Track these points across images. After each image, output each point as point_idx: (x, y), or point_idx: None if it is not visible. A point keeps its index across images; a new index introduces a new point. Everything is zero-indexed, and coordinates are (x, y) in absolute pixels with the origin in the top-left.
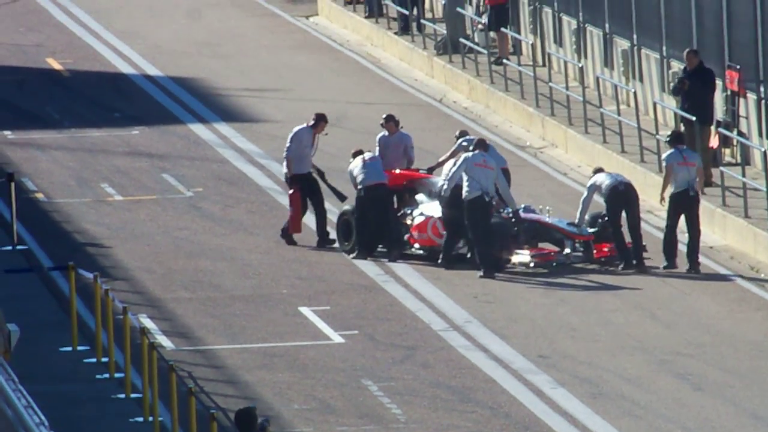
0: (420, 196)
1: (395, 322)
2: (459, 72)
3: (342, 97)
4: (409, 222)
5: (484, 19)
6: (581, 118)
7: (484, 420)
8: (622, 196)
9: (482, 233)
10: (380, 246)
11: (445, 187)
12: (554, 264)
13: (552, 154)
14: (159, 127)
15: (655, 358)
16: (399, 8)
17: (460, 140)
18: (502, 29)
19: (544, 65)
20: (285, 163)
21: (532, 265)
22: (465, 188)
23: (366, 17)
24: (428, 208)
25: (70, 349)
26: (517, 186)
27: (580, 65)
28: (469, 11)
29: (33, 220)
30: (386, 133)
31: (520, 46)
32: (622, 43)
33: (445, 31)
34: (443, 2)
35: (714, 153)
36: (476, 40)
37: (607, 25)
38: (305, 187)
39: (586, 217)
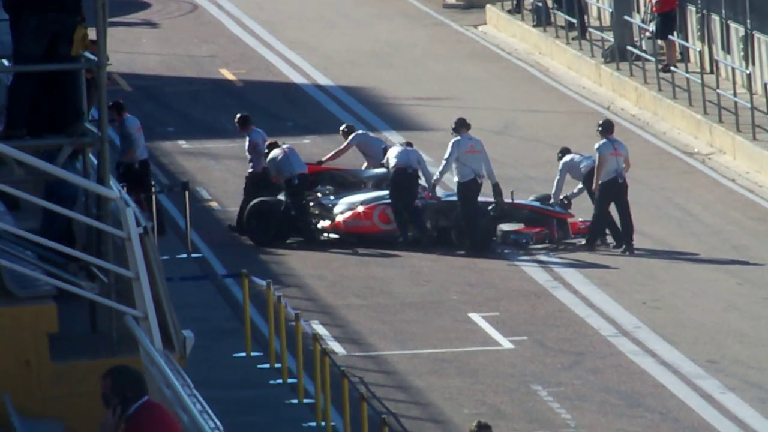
0: (330, 188)
1: (564, 328)
2: (627, 80)
3: (510, 105)
4: (334, 210)
5: (652, 27)
6: (749, 125)
7: (654, 425)
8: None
9: (473, 213)
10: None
11: (436, 176)
12: (546, 241)
13: (720, 161)
14: (330, 136)
15: None
16: (567, 16)
17: (353, 134)
18: (670, 37)
19: (711, 72)
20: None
21: (523, 241)
22: (456, 173)
23: (534, 26)
24: (368, 196)
25: (243, 355)
26: (685, 192)
27: (747, 72)
28: (636, 19)
29: (207, 229)
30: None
31: (688, 53)
32: None
33: (612, 39)
34: (611, 10)
35: None
36: (644, 47)
37: None
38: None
39: (533, 197)
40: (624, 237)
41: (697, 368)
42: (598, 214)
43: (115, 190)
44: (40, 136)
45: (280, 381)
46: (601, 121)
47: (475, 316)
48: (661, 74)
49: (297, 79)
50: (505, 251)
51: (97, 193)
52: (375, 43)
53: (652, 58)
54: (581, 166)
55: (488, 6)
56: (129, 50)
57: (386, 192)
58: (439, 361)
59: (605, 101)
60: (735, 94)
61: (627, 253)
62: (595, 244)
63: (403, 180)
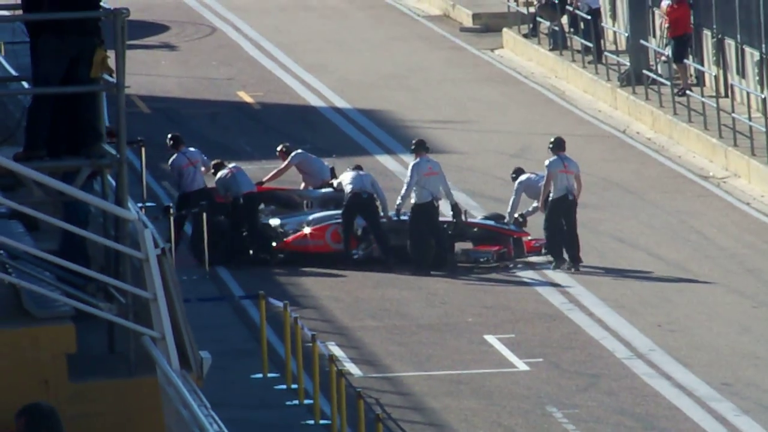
0: (272, 207)
1: (579, 350)
2: (642, 103)
3: (526, 128)
4: (285, 230)
5: (668, 51)
6: (764, 149)
7: None
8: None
9: (431, 233)
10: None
11: (399, 201)
12: (509, 260)
13: (735, 185)
14: (347, 159)
15: None
16: (583, 40)
17: (293, 154)
18: (685, 61)
19: (727, 96)
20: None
21: (482, 259)
22: (414, 195)
23: (550, 50)
24: (317, 216)
25: (260, 376)
26: (700, 215)
27: (762, 96)
28: (652, 43)
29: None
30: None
31: (704, 77)
32: None
33: (628, 63)
34: (627, 35)
35: None
36: (659, 71)
37: None
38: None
39: (480, 216)
40: (569, 253)
41: (712, 391)
42: (550, 231)
43: (132, 211)
44: (59, 158)
45: (296, 402)
46: (552, 139)
47: (490, 338)
48: (677, 98)
49: (314, 101)
50: (459, 267)
51: (116, 214)
52: (392, 66)
53: (668, 82)
54: (539, 185)
55: (505, 30)
56: (148, 72)
57: (336, 212)
58: (454, 383)
59: (621, 125)
60: (750, 118)
61: (573, 270)
62: (562, 259)
63: (358, 204)
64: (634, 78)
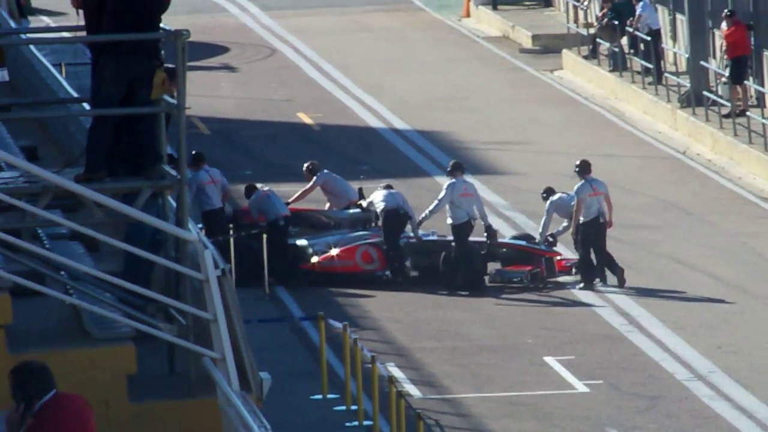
0: (297, 229)
1: (639, 372)
2: (702, 124)
3: (586, 150)
4: (311, 251)
5: (728, 72)
6: None
7: None
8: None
9: (469, 252)
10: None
11: (425, 215)
12: (541, 281)
13: None
14: (406, 180)
15: None
16: (643, 61)
17: (318, 174)
18: (745, 82)
19: None
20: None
21: (516, 279)
22: (450, 215)
23: (610, 71)
24: (347, 237)
25: (320, 397)
26: (761, 236)
27: None
28: (712, 64)
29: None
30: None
31: (764, 98)
32: None
33: (688, 84)
34: (687, 56)
35: None
36: (720, 92)
37: None
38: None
39: (509, 236)
40: (610, 270)
41: None
42: (584, 255)
43: (193, 232)
44: (119, 179)
45: (356, 423)
46: (577, 162)
47: (550, 360)
48: (737, 119)
49: (373, 122)
50: (490, 287)
51: (176, 235)
52: (451, 87)
53: (728, 103)
54: (572, 204)
55: (564, 51)
56: (208, 94)
57: (366, 232)
58: (514, 405)
59: (681, 146)
60: None
61: (622, 285)
62: (592, 282)
63: (396, 221)
64: (694, 99)
